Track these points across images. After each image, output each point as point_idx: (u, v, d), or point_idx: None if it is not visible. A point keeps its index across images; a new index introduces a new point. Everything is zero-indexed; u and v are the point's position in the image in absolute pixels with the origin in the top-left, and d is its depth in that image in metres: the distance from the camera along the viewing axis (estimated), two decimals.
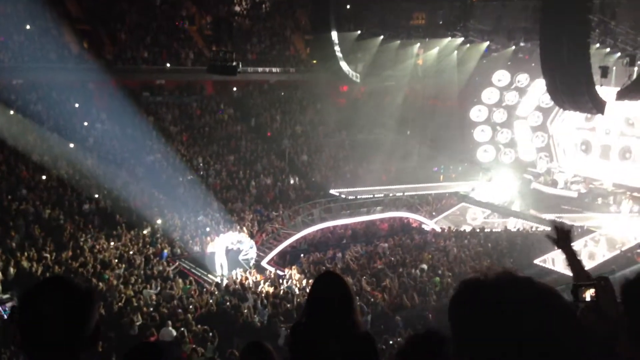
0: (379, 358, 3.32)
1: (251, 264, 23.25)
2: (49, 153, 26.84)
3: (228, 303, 17.51)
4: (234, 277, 20.87)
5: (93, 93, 31.37)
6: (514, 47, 33.19)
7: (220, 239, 23.26)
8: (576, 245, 25.71)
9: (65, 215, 23.98)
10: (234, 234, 24.14)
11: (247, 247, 23.98)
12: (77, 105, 29.98)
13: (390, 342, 15.00)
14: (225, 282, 20.39)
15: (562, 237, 3.46)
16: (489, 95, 36.56)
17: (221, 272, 22.28)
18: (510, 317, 1.20)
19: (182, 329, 15.14)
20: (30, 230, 22.23)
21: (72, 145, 27.36)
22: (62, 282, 2.04)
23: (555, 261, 24.70)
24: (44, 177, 25.95)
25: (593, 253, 25.89)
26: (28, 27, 29.78)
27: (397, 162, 35.68)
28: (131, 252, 21.95)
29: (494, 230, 28.77)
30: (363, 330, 3.29)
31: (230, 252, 23.13)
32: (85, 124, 29.61)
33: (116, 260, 20.85)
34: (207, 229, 25.15)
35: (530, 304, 1.22)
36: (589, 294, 3.10)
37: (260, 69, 36.97)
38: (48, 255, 20.26)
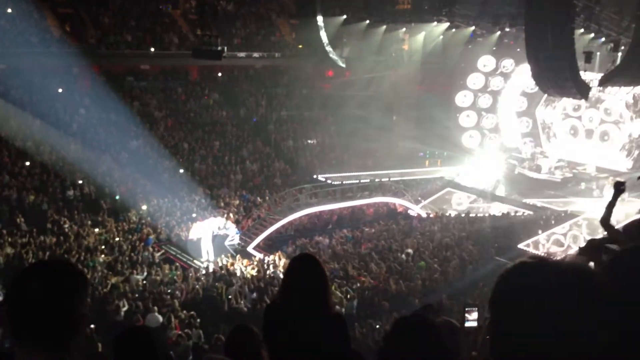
0: (350, 340, 3.36)
1: (237, 249, 23.29)
2: (32, 139, 26.56)
3: (214, 289, 17.53)
4: (220, 263, 20.89)
5: (76, 78, 31.00)
6: (499, 33, 33.23)
7: (206, 225, 23.23)
8: (560, 229, 26.18)
9: (49, 202, 23.81)
10: (219, 220, 24.13)
11: (233, 233, 24.01)
12: (60, 90, 29.63)
13: (377, 327, 15.10)
14: (211, 267, 20.40)
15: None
16: (474, 80, 36.65)
17: (207, 257, 22.29)
18: (564, 299, 1.26)
19: (169, 314, 15.13)
20: (14, 217, 22.04)
21: (55, 130, 27.07)
22: (55, 265, 2.02)
23: (538, 245, 25.02)
24: (27, 163, 25.70)
25: (576, 237, 26.18)
26: (9, 10, 29.31)
27: (382, 147, 35.73)
28: (116, 239, 21.88)
29: (478, 215, 28.98)
30: (335, 312, 3.33)
31: (216, 238, 23.14)
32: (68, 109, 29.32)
33: (102, 247, 20.79)
34: (193, 215, 25.09)
35: (585, 291, 1.28)
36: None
37: (245, 54, 36.72)
38: (32, 242, 20.14)
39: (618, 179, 5.42)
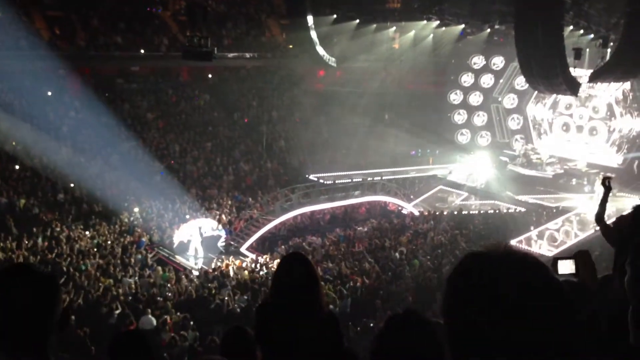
0: (343, 338, 3.36)
1: (230, 250, 23.30)
2: (22, 142, 26.41)
3: (207, 290, 17.49)
4: (213, 264, 20.86)
5: (66, 81, 30.83)
6: (489, 30, 33.38)
7: (194, 225, 23.25)
8: (553, 225, 26.30)
9: (40, 205, 23.68)
10: (209, 220, 24.15)
11: (225, 234, 24.01)
12: (49, 93, 29.48)
13: (371, 325, 15.13)
14: (198, 266, 20.39)
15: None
16: (465, 78, 36.87)
17: (196, 258, 22.32)
18: (506, 288, 1.26)
19: (163, 316, 15.08)
20: (5, 221, 21.90)
21: (45, 134, 26.92)
22: (24, 270, 2.00)
23: (530, 241, 25.14)
24: (17, 167, 25.56)
25: (568, 233, 26.31)
26: None
27: (375, 146, 35.76)
28: (108, 242, 21.78)
29: (471, 212, 29.07)
30: (327, 310, 3.34)
31: (208, 239, 23.16)
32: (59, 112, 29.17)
33: (94, 250, 20.69)
34: (187, 217, 25.03)
35: (525, 277, 1.28)
36: (568, 267, 3.18)
37: (236, 55, 36.64)
38: (23, 246, 20.02)
39: (607, 174, 5.67)
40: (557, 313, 1.25)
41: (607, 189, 5.67)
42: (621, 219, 4.60)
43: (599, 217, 5.36)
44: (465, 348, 1.30)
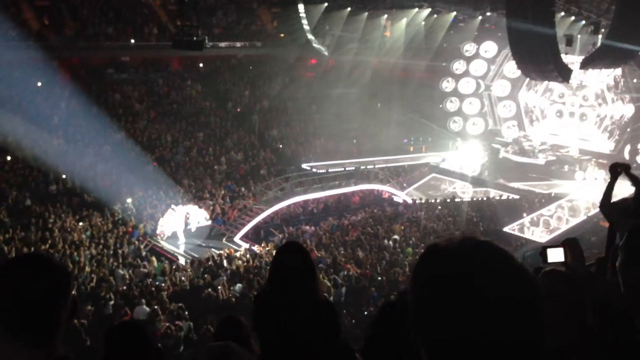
0: (340, 326, 3.38)
1: (223, 240, 23.33)
2: (13, 134, 26.22)
3: (201, 280, 17.50)
4: (207, 254, 20.85)
5: (56, 71, 30.57)
6: (480, 18, 33.35)
7: (183, 213, 23.28)
8: (544, 212, 26.45)
9: (32, 197, 23.58)
10: (199, 210, 24.20)
11: (218, 224, 24.03)
12: (39, 84, 29.26)
13: (366, 313, 15.20)
14: (196, 258, 20.39)
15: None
16: (457, 66, 36.83)
17: (178, 246, 22.39)
18: (469, 278, 1.20)
19: (156, 307, 15.08)
20: None
21: (36, 125, 26.72)
22: (38, 259, 1.99)
23: (523, 228, 25.28)
24: (8, 158, 25.41)
25: (560, 219, 26.47)
26: None
27: (367, 134, 35.77)
28: (101, 232, 21.73)
29: (464, 199, 29.17)
30: (324, 299, 3.35)
31: (196, 229, 23.24)
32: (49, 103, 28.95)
33: (88, 241, 20.64)
34: (180, 206, 24.97)
35: (488, 265, 1.22)
36: (557, 255, 3.21)
37: (227, 44, 36.45)
38: (16, 237, 19.95)
39: (620, 162, 5.03)
40: (523, 303, 1.19)
41: (614, 175, 4.93)
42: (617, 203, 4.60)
43: (603, 205, 4.82)
44: (430, 341, 1.25)
